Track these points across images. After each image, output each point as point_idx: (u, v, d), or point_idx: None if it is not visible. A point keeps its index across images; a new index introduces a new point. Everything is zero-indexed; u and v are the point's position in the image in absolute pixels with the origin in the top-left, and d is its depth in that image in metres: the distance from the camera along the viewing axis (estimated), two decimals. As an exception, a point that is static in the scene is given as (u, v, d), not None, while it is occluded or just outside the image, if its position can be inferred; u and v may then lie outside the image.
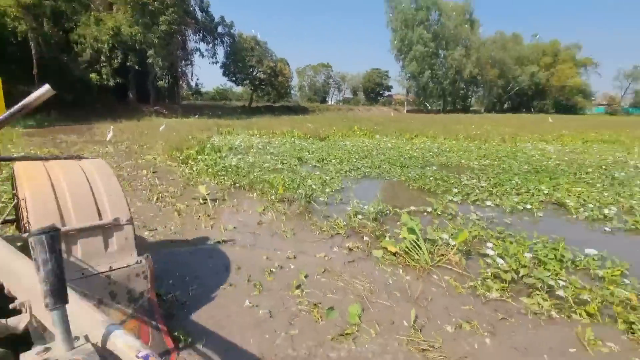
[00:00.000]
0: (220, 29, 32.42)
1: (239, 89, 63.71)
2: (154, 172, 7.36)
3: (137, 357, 0.60)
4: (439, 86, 59.15)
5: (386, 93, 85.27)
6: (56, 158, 2.23)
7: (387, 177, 7.24)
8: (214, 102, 54.29)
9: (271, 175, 6.85)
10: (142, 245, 2.41)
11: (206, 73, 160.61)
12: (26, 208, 1.76)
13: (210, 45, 32.76)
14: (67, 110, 23.80)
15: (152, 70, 28.39)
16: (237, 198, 5.52)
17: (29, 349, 0.77)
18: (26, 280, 0.94)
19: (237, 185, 6.27)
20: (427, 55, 55.25)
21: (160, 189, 5.89)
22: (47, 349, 0.69)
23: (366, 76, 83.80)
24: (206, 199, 5.21)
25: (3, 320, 1.00)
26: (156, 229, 4.08)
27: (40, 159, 2.17)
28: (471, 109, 68.64)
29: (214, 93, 67.65)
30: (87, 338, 0.69)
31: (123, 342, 0.65)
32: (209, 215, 4.64)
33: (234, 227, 4.20)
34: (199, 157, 8.43)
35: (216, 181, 6.57)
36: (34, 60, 20.34)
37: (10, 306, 0.93)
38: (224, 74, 37.65)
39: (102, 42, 23.89)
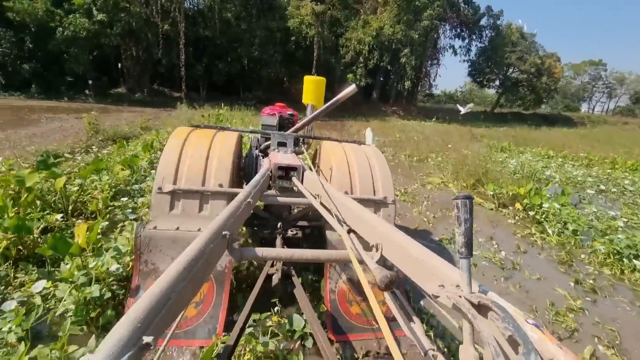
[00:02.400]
0: (484, 21, 27.89)
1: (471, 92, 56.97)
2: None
3: (528, 322, 0.60)
4: None
5: None
6: (347, 141, 2.84)
7: None
8: (440, 106, 50.78)
9: None
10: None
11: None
12: (331, 174, 2.35)
13: (466, 41, 28.90)
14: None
15: (399, 71, 27.85)
16: None
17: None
18: (380, 228, 1.09)
19: None
20: None
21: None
22: (441, 286, 0.74)
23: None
24: None
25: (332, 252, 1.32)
26: None
27: (338, 141, 2.82)
28: None
29: (441, 96, 64.26)
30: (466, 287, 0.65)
31: (505, 304, 0.64)
32: None
33: None
34: (542, 202, 5.00)
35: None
36: (314, 62, 23.19)
37: (367, 246, 1.10)
38: (470, 74, 32.99)
39: (364, 44, 24.89)
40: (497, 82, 33.20)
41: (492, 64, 30.36)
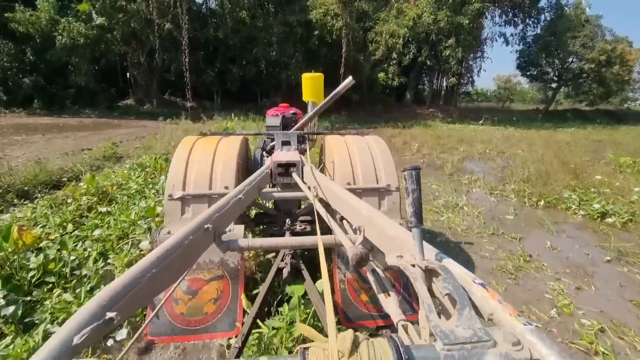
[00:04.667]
0: (543, 3, 23.50)
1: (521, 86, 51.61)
2: None
3: (475, 282, 0.62)
4: None
5: None
6: (349, 134, 2.88)
7: None
8: (476, 105, 46.04)
9: None
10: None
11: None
12: (333, 167, 2.34)
13: (519, 27, 24.51)
14: (352, 111, 23.50)
15: (438, 66, 24.02)
16: None
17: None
18: (363, 212, 1.14)
19: None
20: None
21: None
22: (400, 256, 0.78)
23: None
24: None
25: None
26: None
27: (340, 134, 2.91)
28: None
29: (474, 92, 59.06)
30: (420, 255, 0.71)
31: (456, 267, 0.68)
32: None
33: None
34: None
35: None
36: (342, 59, 19.93)
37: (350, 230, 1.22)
38: (520, 66, 28.43)
39: (398, 37, 21.32)
40: (554, 75, 28.37)
41: (546, 54, 25.74)
